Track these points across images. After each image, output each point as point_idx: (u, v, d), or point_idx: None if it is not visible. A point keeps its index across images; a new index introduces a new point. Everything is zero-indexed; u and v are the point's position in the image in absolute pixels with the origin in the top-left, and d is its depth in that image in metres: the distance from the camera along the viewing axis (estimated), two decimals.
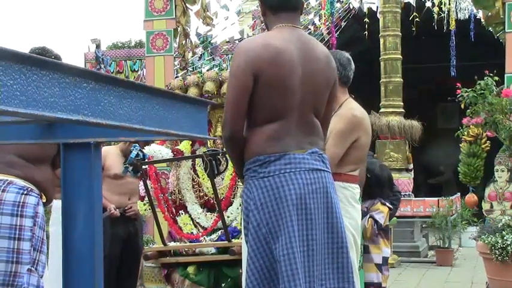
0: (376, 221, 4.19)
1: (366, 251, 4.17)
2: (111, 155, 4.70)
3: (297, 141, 2.65)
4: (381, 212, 4.24)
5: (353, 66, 3.62)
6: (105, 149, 4.62)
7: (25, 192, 2.83)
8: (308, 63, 2.70)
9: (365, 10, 12.38)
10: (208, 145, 4.56)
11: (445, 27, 11.19)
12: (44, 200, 2.94)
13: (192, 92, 4.56)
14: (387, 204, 4.33)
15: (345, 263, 2.67)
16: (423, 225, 9.84)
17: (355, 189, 3.53)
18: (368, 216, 4.19)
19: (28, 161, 2.93)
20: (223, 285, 4.29)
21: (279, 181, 2.58)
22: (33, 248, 2.80)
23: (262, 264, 2.57)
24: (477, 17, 10.91)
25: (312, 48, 2.76)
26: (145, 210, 4.66)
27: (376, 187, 4.29)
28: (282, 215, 2.55)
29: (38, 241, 2.82)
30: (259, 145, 2.64)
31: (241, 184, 4.33)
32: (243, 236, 3.01)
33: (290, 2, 2.80)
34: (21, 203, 2.79)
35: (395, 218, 6.20)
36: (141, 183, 4.47)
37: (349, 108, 3.48)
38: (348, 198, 3.43)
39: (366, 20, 11.50)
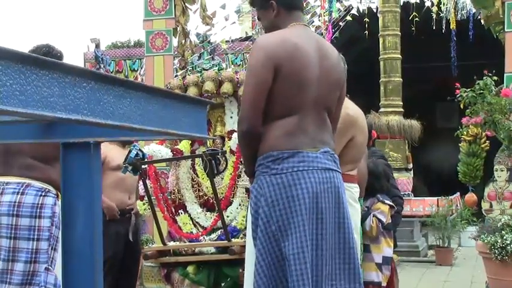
0: (379, 220, 4.20)
1: (366, 250, 4.17)
2: (112, 147, 4.68)
3: (310, 139, 2.65)
4: (382, 210, 4.25)
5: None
6: (104, 144, 4.61)
7: (43, 194, 2.87)
8: (323, 60, 2.73)
9: (362, 9, 12.37)
10: (208, 145, 4.56)
11: (444, 27, 11.18)
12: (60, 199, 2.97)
13: (192, 92, 4.55)
14: (387, 202, 4.33)
15: (356, 263, 2.67)
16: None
17: (354, 189, 3.54)
18: (372, 215, 4.19)
19: (45, 162, 2.96)
20: (222, 284, 4.29)
21: (291, 179, 2.57)
22: (51, 247, 2.83)
23: (270, 261, 2.56)
24: (476, 17, 10.90)
25: (325, 47, 2.81)
26: (144, 209, 4.66)
27: (374, 181, 4.30)
28: (294, 213, 2.54)
29: (54, 240, 2.86)
30: (273, 140, 2.62)
31: (240, 184, 4.33)
32: (249, 232, 2.99)
33: (300, 1, 2.88)
34: (39, 205, 2.85)
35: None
36: (141, 182, 4.47)
37: (344, 107, 3.50)
38: (348, 199, 3.44)
39: (366, 19, 11.50)
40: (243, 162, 2.98)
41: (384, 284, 4.25)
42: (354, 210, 3.52)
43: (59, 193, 2.96)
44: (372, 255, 4.16)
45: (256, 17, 3.17)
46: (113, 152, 4.61)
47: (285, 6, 2.82)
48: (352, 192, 3.50)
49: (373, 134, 4.44)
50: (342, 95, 2.88)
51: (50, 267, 2.81)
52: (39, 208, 2.85)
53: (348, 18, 12.13)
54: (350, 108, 3.54)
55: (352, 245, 2.67)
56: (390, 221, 4.34)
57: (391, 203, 4.34)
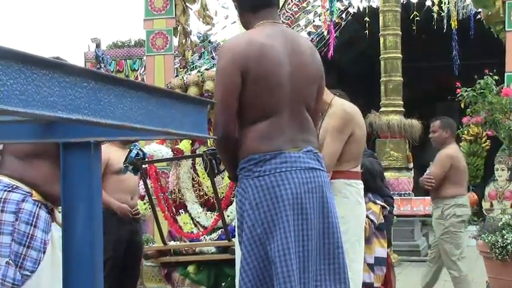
0: (371, 221, 4.19)
1: None
2: (114, 149, 4.67)
3: (291, 139, 2.62)
4: (374, 211, 4.25)
5: None
6: (106, 145, 4.61)
7: (8, 189, 2.88)
8: (294, 56, 2.67)
9: (363, 7, 12.37)
10: (208, 144, 4.56)
11: (445, 27, 11.16)
12: (36, 198, 2.93)
13: (192, 91, 4.56)
14: (378, 202, 4.32)
15: (341, 263, 2.63)
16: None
17: (360, 185, 3.54)
18: (365, 216, 4.19)
19: (17, 158, 2.96)
20: (223, 284, 4.30)
21: (274, 180, 2.54)
22: (16, 242, 2.83)
23: (256, 265, 2.53)
24: (477, 16, 10.89)
25: (296, 42, 2.75)
26: (145, 209, 4.66)
27: (370, 180, 4.29)
28: (278, 214, 2.51)
29: (23, 236, 2.85)
30: (253, 144, 2.59)
31: None
32: (236, 236, 2.99)
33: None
34: (2, 199, 2.86)
35: (394, 216, 6.19)
36: (141, 182, 4.47)
37: (340, 105, 3.55)
38: (354, 195, 3.45)
39: (367, 18, 11.49)
40: (225, 168, 2.95)
41: (377, 284, 4.24)
42: (361, 207, 3.53)
43: (34, 191, 2.94)
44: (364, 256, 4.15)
45: None
46: (114, 155, 4.59)
47: (246, 9, 2.79)
48: (357, 188, 3.50)
49: None
50: (320, 87, 2.83)
51: (11, 261, 2.81)
52: (1, 203, 2.87)
53: (349, 17, 12.13)
54: (345, 105, 3.57)
55: (338, 245, 2.62)
56: (382, 221, 4.33)
57: (382, 203, 4.34)
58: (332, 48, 11.08)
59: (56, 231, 2.97)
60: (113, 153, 4.55)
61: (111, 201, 4.56)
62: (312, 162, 2.63)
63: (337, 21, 11.70)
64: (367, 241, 4.20)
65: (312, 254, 2.57)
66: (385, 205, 4.38)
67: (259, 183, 2.55)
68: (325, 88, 3.55)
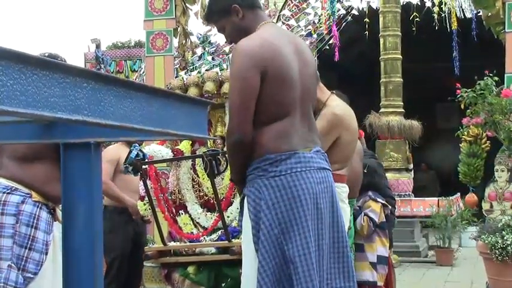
0: (370, 219, 4.20)
1: (360, 249, 4.17)
2: (123, 148, 4.67)
3: (303, 139, 2.64)
4: (374, 209, 4.26)
5: None
6: (117, 145, 4.62)
7: (7, 191, 2.86)
8: (300, 55, 2.71)
9: (362, 7, 12.36)
10: (208, 145, 4.56)
11: (448, 27, 11.16)
12: (36, 199, 2.92)
13: (192, 92, 4.56)
14: (379, 200, 4.33)
15: (349, 261, 2.67)
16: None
17: (343, 188, 3.54)
18: (363, 214, 4.20)
19: (15, 160, 2.94)
20: (223, 285, 4.29)
21: (291, 180, 2.54)
22: (18, 244, 2.81)
23: (274, 265, 2.53)
24: (477, 17, 10.89)
25: (297, 41, 2.81)
26: (145, 210, 4.66)
27: (375, 176, 4.32)
28: (296, 214, 2.52)
29: (25, 238, 2.83)
30: (270, 143, 2.58)
31: None
32: (246, 235, 2.96)
33: (259, 0, 2.88)
34: (1, 202, 2.84)
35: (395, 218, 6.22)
36: (141, 183, 4.47)
37: (332, 107, 3.52)
38: None
39: (366, 19, 11.48)
40: (231, 170, 2.89)
41: (380, 283, 4.25)
42: (342, 211, 3.53)
43: (33, 193, 2.92)
44: (365, 255, 4.15)
45: (217, 30, 3.05)
46: (123, 155, 4.60)
47: (248, 7, 2.78)
48: (339, 192, 3.50)
49: (360, 133, 4.44)
50: (316, 84, 2.90)
51: (13, 264, 2.79)
52: (1, 205, 2.85)
53: (349, 18, 12.12)
54: (336, 107, 3.54)
55: (345, 244, 2.67)
56: (384, 220, 4.34)
57: (383, 201, 4.35)
58: (337, 50, 11.07)
59: (58, 231, 2.96)
60: (122, 153, 4.58)
61: (125, 198, 4.58)
62: (322, 163, 2.67)
63: (341, 23, 11.70)
64: (369, 240, 4.21)
65: (325, 253, 2.60)
66: (386, 203, 4.39)
67: (275, 183, 2.55)
68: (322, 85, 3.57)
